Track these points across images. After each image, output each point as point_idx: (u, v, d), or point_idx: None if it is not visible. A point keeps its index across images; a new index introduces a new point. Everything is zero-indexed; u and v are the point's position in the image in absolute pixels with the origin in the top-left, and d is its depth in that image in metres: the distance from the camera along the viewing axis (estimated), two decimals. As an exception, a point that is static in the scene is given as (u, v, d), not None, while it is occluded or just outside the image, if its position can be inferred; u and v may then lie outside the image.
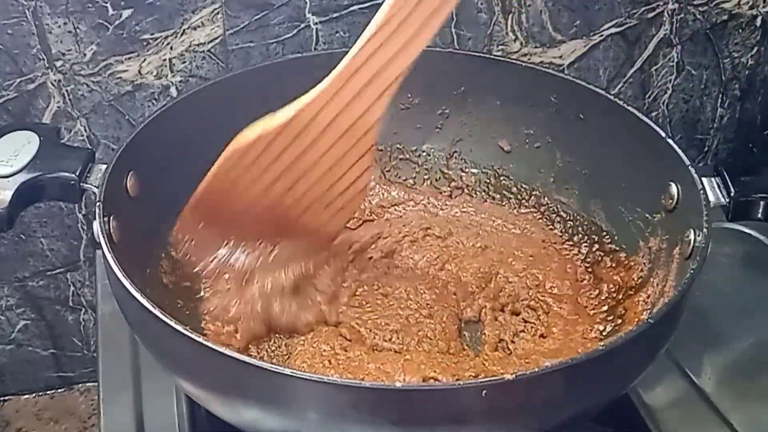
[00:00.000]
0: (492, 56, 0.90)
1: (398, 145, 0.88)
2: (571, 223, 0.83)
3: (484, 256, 0.82)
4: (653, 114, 1.05)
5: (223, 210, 0.71)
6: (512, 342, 0.75)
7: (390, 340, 0.73)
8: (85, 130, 0.91)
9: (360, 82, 0.67)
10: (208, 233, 0.72)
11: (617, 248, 0.79)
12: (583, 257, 0.81)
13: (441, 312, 0.76)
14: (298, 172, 0.70)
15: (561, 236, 0.83)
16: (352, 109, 0.68)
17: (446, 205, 0.87)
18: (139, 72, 0.89)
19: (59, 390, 1.09)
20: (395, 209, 0.87)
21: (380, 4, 0.89)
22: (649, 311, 0.71)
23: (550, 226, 0.84)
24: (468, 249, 0.83)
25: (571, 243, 0.82)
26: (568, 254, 0.82)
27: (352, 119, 0.68)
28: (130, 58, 0.88)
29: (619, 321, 0.74)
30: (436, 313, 0.76)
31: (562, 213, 0.84)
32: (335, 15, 0.90)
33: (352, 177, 0.72)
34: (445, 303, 0.77)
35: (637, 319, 0.72)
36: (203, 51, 0.89)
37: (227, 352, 0.56)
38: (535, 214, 0.85)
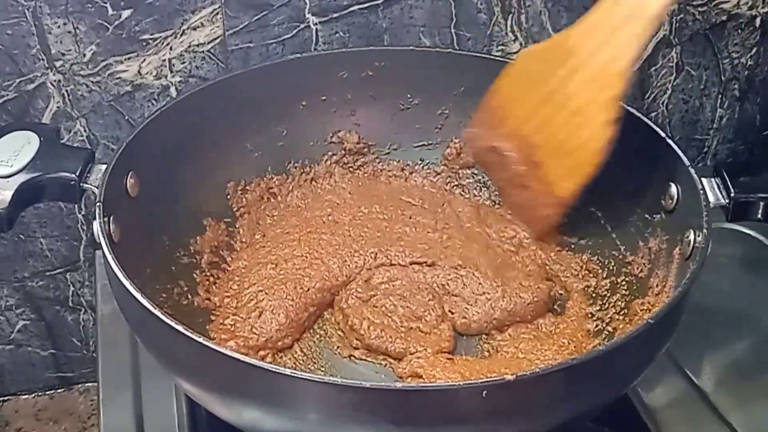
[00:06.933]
0: (492, 56, 0.90)
1: (398, 145, 0.88)
2: (571, 222, 0.83)
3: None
4: (653, 114, 1.05)
5: (495, 123, 0.79)
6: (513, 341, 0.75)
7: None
8: (85, 130, 0.91)
9: (612, 23, 0.70)
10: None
11: (617, 248, 0.79)
12: (582, 257, 0.81)
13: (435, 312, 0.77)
14: (553, 104, 0.74)
15: (560, 236, 0.83)
16: (605, 50, 0.71)
17: (445, 205, 0.87)
18: (139, 72, 0.89)
19: (59, 390, 1.09)
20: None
21: (379, 5, 0.90)
22: (648, 311, 0.71)
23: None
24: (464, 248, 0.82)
25: (570, 243, 0.82)
26: (567, 254, 0.82)
27: (603, 62, 0.71)
28: (129, 59, 0.88)
29: (619, 321, 0.74)
30: (427, 316, 0.76)
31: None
32: (335, 15, 0.90)
33: (591, 131, 0.72)
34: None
35: (637, 320, 0.72)
36: (203, 51, 0.89)
37: (227, 352, 0.56)
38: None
